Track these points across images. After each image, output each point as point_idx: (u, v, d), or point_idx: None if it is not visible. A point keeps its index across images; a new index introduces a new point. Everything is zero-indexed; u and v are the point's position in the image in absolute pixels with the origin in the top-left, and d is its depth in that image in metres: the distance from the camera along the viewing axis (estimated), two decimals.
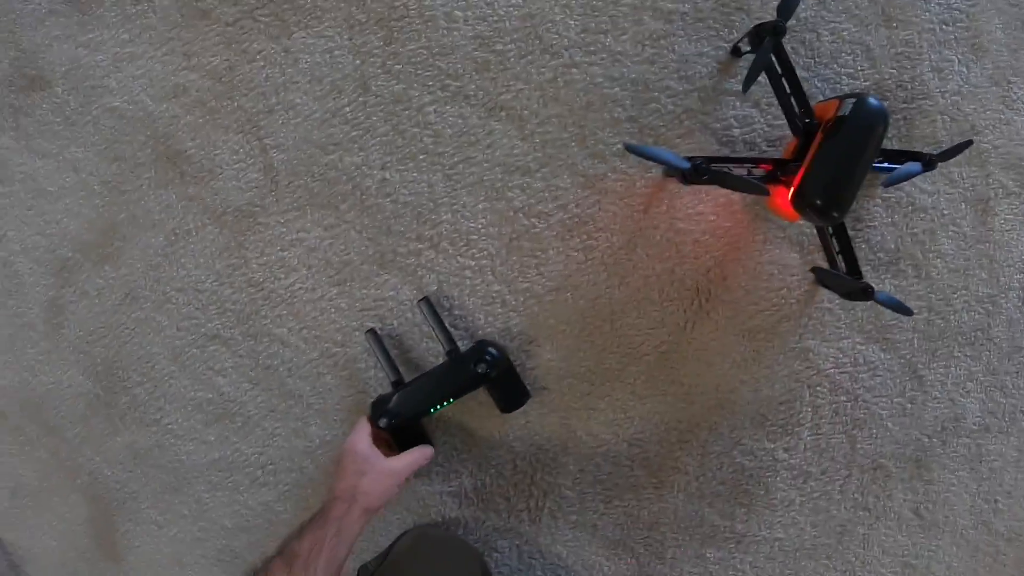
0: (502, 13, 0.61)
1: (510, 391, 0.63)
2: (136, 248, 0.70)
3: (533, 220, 0.64)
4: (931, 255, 0.68)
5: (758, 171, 0.57)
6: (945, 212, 0.68)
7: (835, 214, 0.51)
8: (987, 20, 0.68)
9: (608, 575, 0.76)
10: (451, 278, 0.65)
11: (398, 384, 0.63)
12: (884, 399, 0.74)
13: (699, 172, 0.51)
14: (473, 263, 0.64)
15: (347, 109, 0.63)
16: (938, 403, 0.76)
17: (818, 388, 0.71)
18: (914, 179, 0.63)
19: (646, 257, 0.64)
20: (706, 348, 0.68)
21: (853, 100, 0.52)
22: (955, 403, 0.77)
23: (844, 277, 0.61)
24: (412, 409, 0.61)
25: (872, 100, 0.51)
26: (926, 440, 0.78)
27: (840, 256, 0.60)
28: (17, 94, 0.68)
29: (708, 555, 0.77)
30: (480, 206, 0.63)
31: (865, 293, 0.56)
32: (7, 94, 0.69)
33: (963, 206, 0.68)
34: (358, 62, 0.62)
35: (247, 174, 0.66)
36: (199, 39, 0.64)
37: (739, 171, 0.57)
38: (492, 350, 0.61)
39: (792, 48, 0.61)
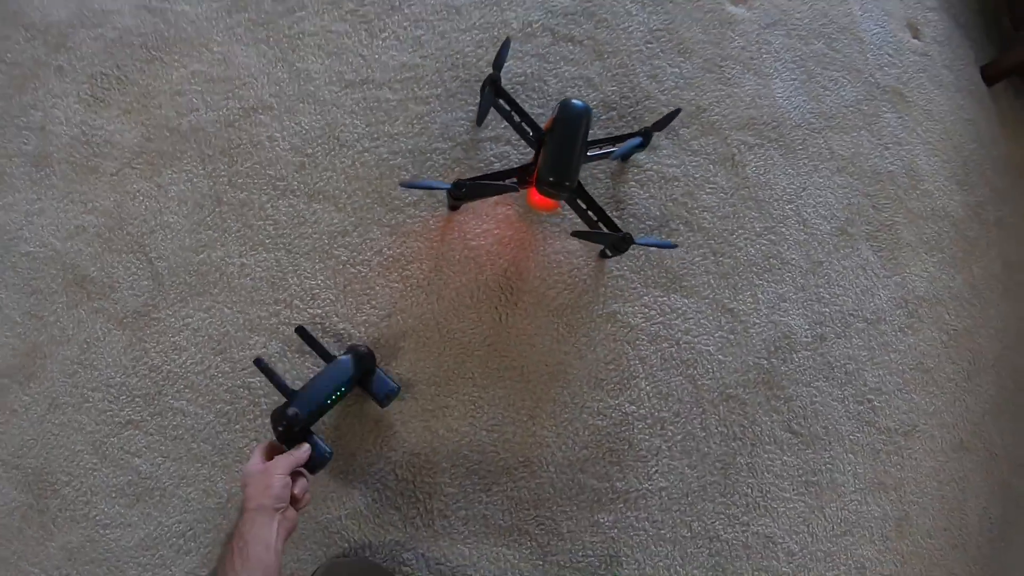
0: (307, 127, 0.85)
1: (382, 385, 0.69)
2: (55, 362, 0.83)
3: (358, 268, 0.81)
4: (697, 211, 0.89)
5: (510, 181, 0.74)
6: (696, 175, 0.90)
7: (567, 183, 0.70)
8: (687, 28, 0.92)
9: (515, 563, 0.82)
10: (306, 326, 0.75)
11: (291, 394, 0.66)
12: (705, 337, 0.89)
13: (458, 187, 0.72)
14: (320, 311, 0.79)
15: (208, 218, 0.82)
16: (760, 328, 0.90)
17: (637, 342, 0.87)
18: (660, 158, 0.84)
19: (452, 274, 0.82)
20: (524, 332, 0.83)
21: (559, 105, 0.72)
22: (777, 324, 0.93)
23: (605, 232, 0.76)
24: (308, 407, 0.63)
25: (573, 101, 0.72)
26: (764, 363, 0.91)
27: (599, 223, 0.76)
28: None
29: (601, 520, 0.86)
30: (317, 267, 0.80)
31: (625, 240, 0.74)
32: None
33: (712, 167, 0.92)
34: (211, 183, 0.84)
35: (139, 282, 0.82)
36: (91, 189, 0.84)
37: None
38: (361, 347, 0.70)
39: (527, 96, 0.85)
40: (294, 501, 0.59)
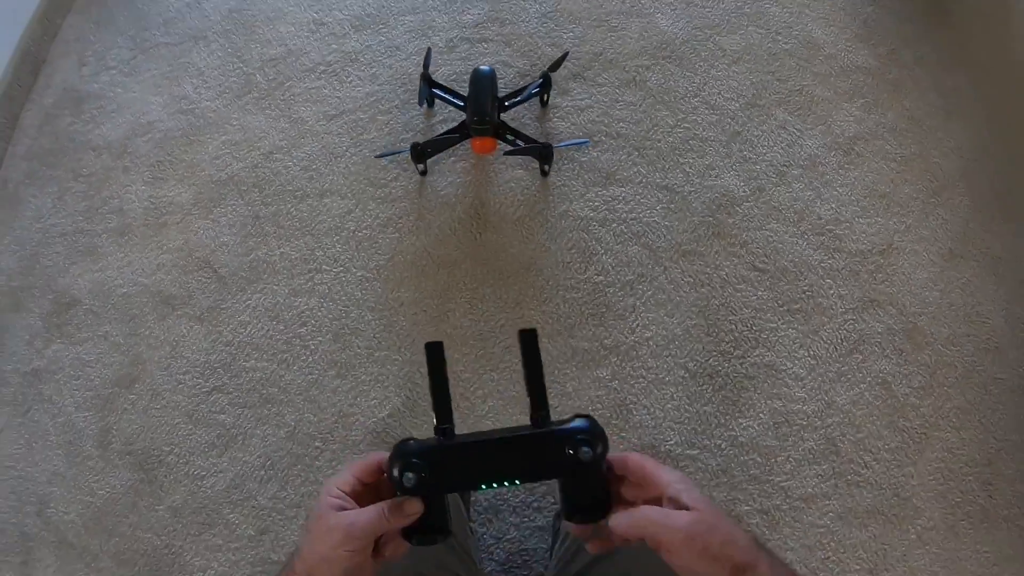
0: (309, 153, 1.61)
1: (590, 493, 0.59)
2: (153, 363, 1.44)
3: (364, 231, 1.52)
4: (613, 123, 1.54)
5: (455, 136, 1.44)
6: (606, 100, 1.55)
7: (487, 119, 1.36)
8: (572, 3, 1.67)
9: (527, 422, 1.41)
10: (331, 282, 1.52)
11: (445, 432, 0.60)
12: (647, 211, 1.47)
13: (415, 146, 1.36)
14: (341, 268, 1.48)
15: (251, 230, 1.55)
16: (697, 193, 1.48)
17: (590, 228, 1.44)
18: (573, 97, 1.54)
19: (432, 217, 1.46)
20: (497, 243, 1.44)
21: (471, 73, 1.44)
22: (712, 187, 1.50)
23: (530, 145, 1.40)
24: (453, 474, 0.58)
25: (480, 67, 1.44)
26: (711, 219, 1.46)
27: (521, 144, 1.43)
28: (58, 315, 1.54)
29: (601, 375, 1.35)
30: (335, 239, 1.52)
31: (547, 147, 1.37)
32: (51, 319, 1.55)
33: (618, 91, 1.55)
34: (249, 207, 1.51)
35: (208, 287, 1.49)
36: (164, 237, 1.56)
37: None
38: (596, 428, 0.59)
39: (461, 87, 1.53)
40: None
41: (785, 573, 0.54)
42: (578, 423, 0.60)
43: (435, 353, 0.63)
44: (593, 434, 0.59)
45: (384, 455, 0.60)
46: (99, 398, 1.48)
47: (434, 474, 0.57)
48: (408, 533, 0.59)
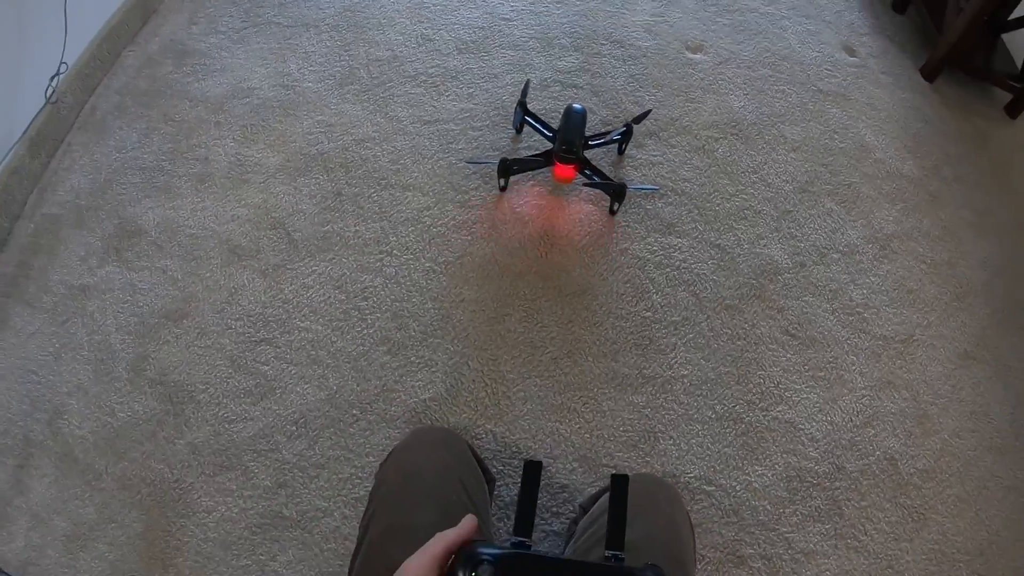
0: (399, 148, 1.70)
1: None
2: (207, 304, 1.50)
3: (438, 228, 1.63)
4: (679, 182, 1.70)
5: (540, 160, 1.58)
6: (676, 160, 1.71)
7: (574, 149, 1.50)
8: (658, 71, 1.80)
9: (567, 435, 1.41)
10: (399, 267, 1.59)
11: (520, 545, 0.61)
12: (699, 264, 1.61)
13: (504, 161, 1.50)
14: (411, 256, 1.58)
15: (331, 205, 1.62)
16: (745, 257, 1.63)
17: (646, 268, 1.58)
18: (647, 152, 1.70)
19: (504, 230, 1.58)
20: (559, 264, 1.56)
21: (565, 109, 1.58)
22: (759, 255, 1.64)
23: (606, 182, 1.56)
24: None
25: (574, 104, 1.57)
26: (754, 282, 1.60)
27: (598, 180, 1.58)
28: (120, 240, 1.58)
29: (636, 400, 1.45)
30: (409, 230, 1.62)
31: (622, 186, 1.53)
32: (111, 241, 1.58)
33: (687, 154, 1.74)
34: (333, 184, 1.61)
35: (279, 246, 1.55)
36: (244, 193, 1.63)
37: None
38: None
39: (549, 122, 1.72)
40: None
41: None
42: (651, 574, 0.59)
43: (532, 471, 0.63)
44: None
45: (453, 539, 0.60)
46: (143, 325, 1.53)
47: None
48: None
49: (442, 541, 0.58)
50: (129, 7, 1.92)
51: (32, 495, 1.38)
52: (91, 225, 1.63)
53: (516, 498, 1.33)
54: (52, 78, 1.69)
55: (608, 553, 0.61)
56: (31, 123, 1.67)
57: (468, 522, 0.60)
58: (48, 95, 1.69)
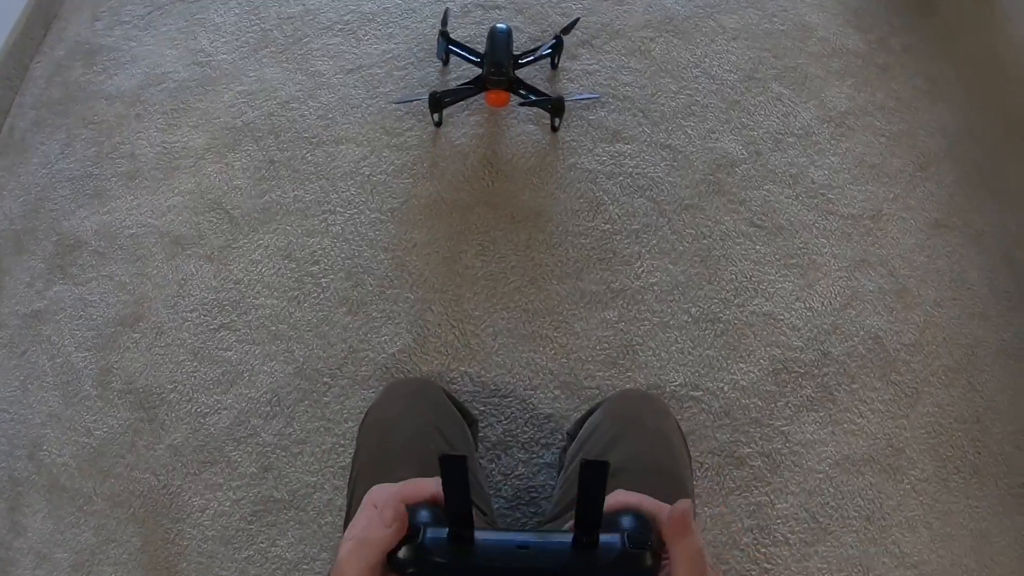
0: (325, 103, 1.64)
1: None
2: (159, 301, 1.46)
3: (379, 176, 1.56)
4: (620, 87, 1.62)
5: (471, 88, 1.51)
6: (613, 65, 1.64)
7: (503, 71, 1.44)
8: None
9: (544, 364, 1.38)
10: (345, 223, 1.53)
11: (461, 526, 0.46)
12: (652, 167, 1.55)
13: (433, 95, 1.44)
14: (355, 210, 1.53)
15: (266, 174, 1.57)
16: (698, 154, 1.57)
17: (598, 180, 1.51)
18: (582, 62, 1.63)
19: (446, 165, 1.53)
20: (508, 191, 1.50)
21: (489, 30, 1.52)
22: (712, 149, 1.58)
23: (543, 98, 1.49)
24: None
25: (498, 25, 1.52)
26: (711, 177, 1.54)
27: (534, 97, 1.52)
28: (62, 256, 1.55)
29: (608, 316, 1.41)
30: (349, 183, 1.57)
31: (560, 100, 1.46)
32: (54, 260, 1.55)
33: (624, 58, 1.65)
34: (264, 152, 1.58)
35: (220, 227, 1.51)
36: (176, 180, 1.58)
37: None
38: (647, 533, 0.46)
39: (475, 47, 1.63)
40: None
41: None
42: (627, 522, 0.48)
43: (453, 469, 0.46)
44: (647, 539, 0.46)
45: (432, 484, 0.51)
46: (100, 337, 1.49)
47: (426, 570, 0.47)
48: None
49: (413, 488, 0.52)
50: (28, 16, 1.84)
51: (30, 533, 1.37)
52: (31, 248, 1.59)
53: (502, 437, 1.29)
54: None
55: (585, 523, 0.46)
56: None
57: (435, 482, 0.52)
58: None
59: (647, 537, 0.46)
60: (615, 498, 0.51)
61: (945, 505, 1.31)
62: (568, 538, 0.46)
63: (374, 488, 0.52)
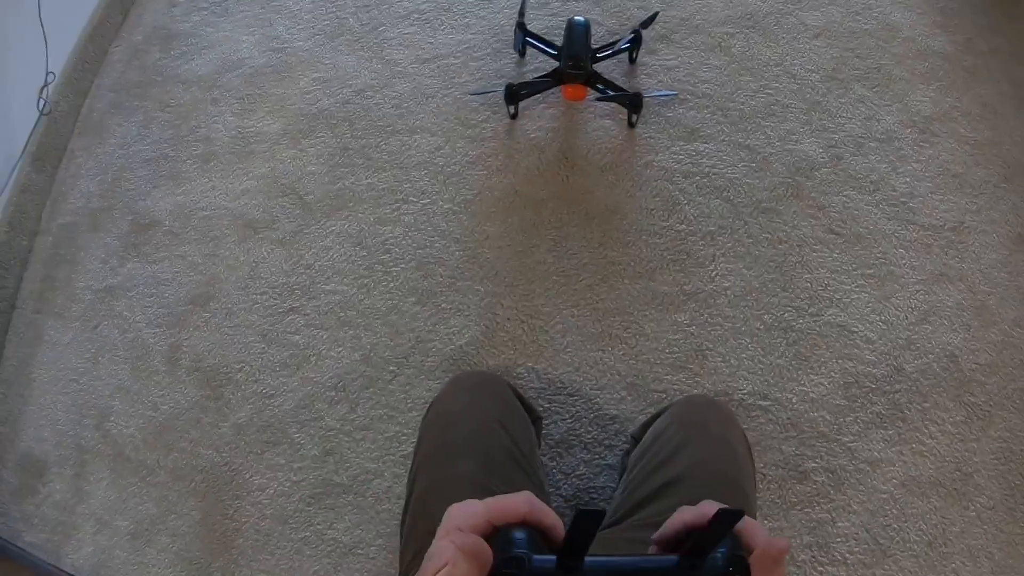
0: (400, 92, 1.64)
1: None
2: (230, 283, 1.48)
3: (453, 167, 1.55)
4: (699, 84, 1.58)
5: (548, 81, 1.49)
6: (692, 61, 1.60)
7: (581, 64, 1.42)
8: None
9: (612, 364, 1.35)
10: (416, 214, 1.54)
11: (568, 556, 0.44)
12: (729, 168, 1.51)
13: (510, 87, 1.43)
14: (428, 200, 1.53)
15: (340, 160, 1.59)
16: (778, 155, 1.52)
17: (674, 179, 1.49)
18: (660, 57, 1.59)
19: (521, 159, 1.52)
20: (583, 187, 1.48)
21: (566, 23, 1.50)
22: (792, 151, 1.53)
23: (620, 93, 1.46)
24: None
25: (575, 17, 1.49)
26: (790, 180, 1.50)
27: (611, 93, 1.48)
28: (136, 235, 1.57)
29: (679, 319, 1.38)
30: (422, 173, 1.57)
31: (637, 96, 1.43)
32: (128, 238, 1.58)
33: (703, 53, 1.61)
34: (338, 140, 1.60)
35: (293, 212, 1.53)
36: (250, 164, 1.59)
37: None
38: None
39: (553, 39, 1.59)
40: None
41: None
42: (727, 542, 0.47)
43: (587, 524, 0.43)
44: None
45: (523, 504, 0.48)
46: (172, 315, 1.51)
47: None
48: None
49: (502, 508, 0.48)
50: (108, 2, 1.87)
51: (93, 500, 1.40)
52: (107, 226, 1.62)
53: (565, 436, 1.27)
54: (41, 89, 1.67)
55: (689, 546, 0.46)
56: (29, 138, 1.66)
57: (526, 503, 0.48)
58: (41, 107, 1.68)
59: (746, 562, 0.46)
60: (692, 513, 0.51)
61: (1010, 536, 1.25)
62: (672, 561, 0.46)
63: (455, 508, 0.48)
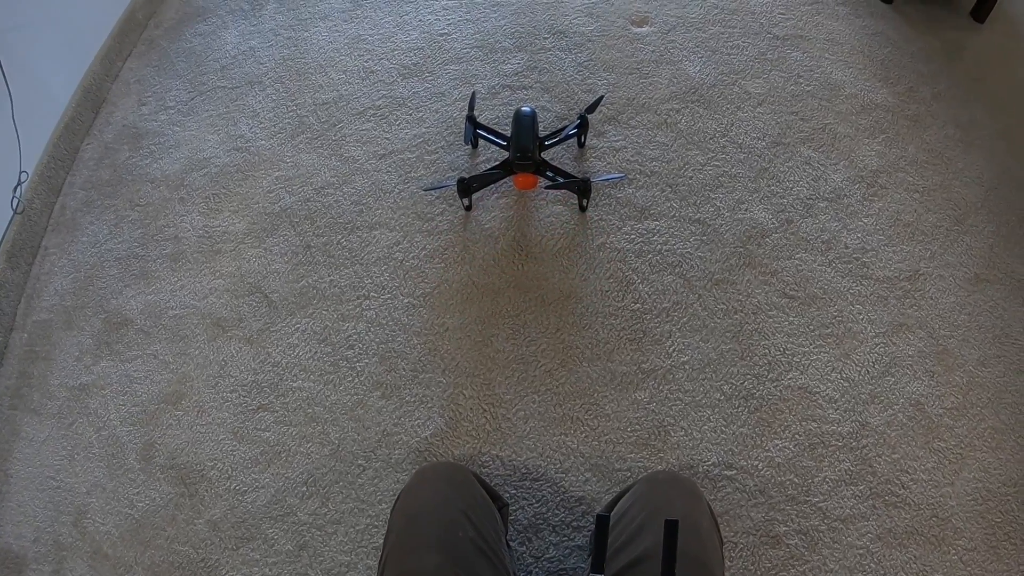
0: (359, 188, 1.69)
1: None
2: (200, 381, 1.52)
3: (411, 261, 1.62)
4: (647, 162, 1.68)
5: (498, 172, 1.56)
6: (639, 140, 1.70)
7: (529, 155, 1.50)
8: (606, 53, 1.78)
9: (575, 447, 1.40)
10: (378, 309, 1.60)
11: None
12: (681, 243, 1.58)
13: (462, 180, 1.50)
14: (389, 295, 1.59)
15: (302, 259, 1.64)
16: (728, 226, 1.59)
17: (627, 259, 1.56)
18: (608, 138, 1.68)
19: (477, 249, 1.58)
20: (538, 273, 1.55)
21: (513, 114, 1.58)
22: (742, 220, 1.60)
23: (569, 180, 1.54)
24: None
25: (523, 108, 1.58)
26: (742, 250, 1.56)
27: (561, 180, 1.57)
28: (109, 333, 1.61)
29: (639, 397, 1.44)
30: (383, 268, 1.63)
31: (586, 181, 1.52)
32: (101, 336, 1.62)
33: (650, 132, 1.71)
34: (300, 238, 1.63)
35: (259, 310, 1.58)
36: (217, 264, 1.65)
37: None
38: None
39: (504, 130, 1.68)
40: None
41: None
42: None
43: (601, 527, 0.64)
44: None
45: None
46: (145, 413, 1.55)
47: None
48: None
49: None
50: (78, 101, 1.96)
51: None
52: (80, 324, 1.67)
53: (533, 520, 1.34)
54: (15, 188, 1.73)
55: None
56: (3, 236, 1.71)
57: None
58: (14, 206, 1.74)
59: None
60: None
61: (996, 574, 1.30)
62: None
63: None
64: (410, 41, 1.98)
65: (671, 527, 0.64)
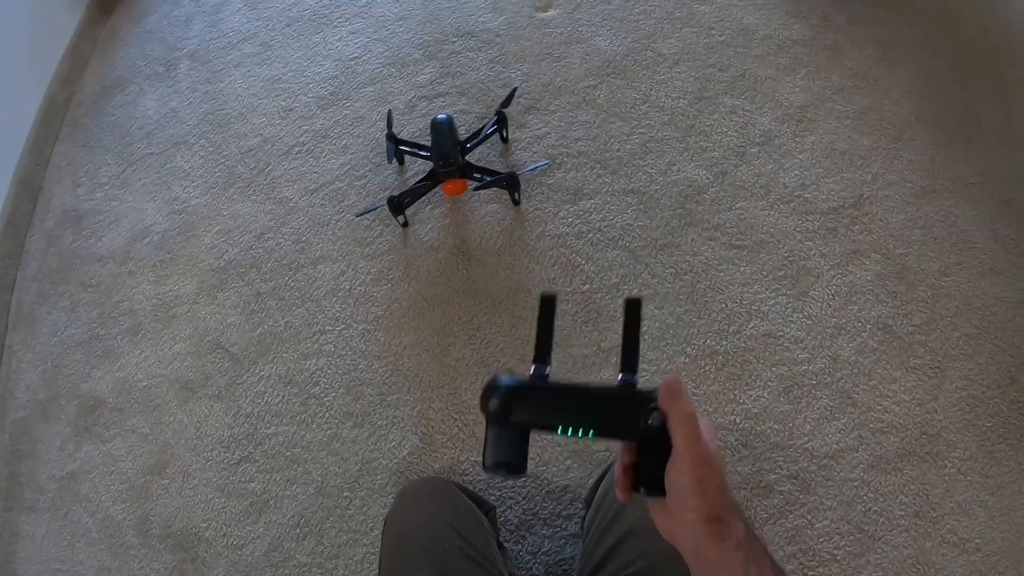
0: (297, 226, 1.72)
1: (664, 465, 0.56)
2: (180, 446, 1.55)
3: (359, 287, 1.64)
4: (572, 143, 1.70)
5: (426, 184, 1.59)
6: (561, 124, 1.73)
7: (451, 160, 1.52)
8: (514, 45, 1.77)
9: (550, 438, 1.43)
10: (336, 341, 1.62)
11: (539, 375, 0.63)
12: (619, 216, 1.59)
13: (391, 199, 1.52)
14: (343, 325, 1.61)
15: (255, 306, 1.67)
16: (663, 190, 1.61)
17: (568, 243, 1.58)
18: (531, 128, 1.71)
19: (420, 263, 1.61)
20: (484, 274, 1.57)
21: (430, 123, 1.60)
22: (676, 182, 1.63)
23: (497, 177, 1.55)
24: (535, 410, 0.61)
25: (438, 116, 1.60)
26: (681, 211, 1.58)
27: (488, 178, 1.57)
28: (85, 418, 1.64)
29: (604, 376, 1.46)
30: (333, 300, 1.64)
31: (512, 175, 1.53)
32: (78, 422, 1.65)
33: (571, 113, 1.73)
34: (249, 287, 1.64)
35: (222, 366, 1.60)
36: (175, 328, 1.68)
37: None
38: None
39: (427, 140, 1.71)
40: None
41: (758, 549, 0.56)
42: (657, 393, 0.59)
43: (546, 306, 0.69)
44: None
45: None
46: (133, 488, 1.58)
47: (516, 405, 0.62)
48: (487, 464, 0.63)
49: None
50: (15, 195, 1.98)
51: None
52: (56, 414, 1.70)
53: (523, 517, 1.35)
54: None
55: (621, 377, 0.63)
56: None
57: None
58: None
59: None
60: None
61: (996, 479, 1.30)
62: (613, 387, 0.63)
63: None
64: (323, 71, 1.99)
65: (632, 304, 0.67)
